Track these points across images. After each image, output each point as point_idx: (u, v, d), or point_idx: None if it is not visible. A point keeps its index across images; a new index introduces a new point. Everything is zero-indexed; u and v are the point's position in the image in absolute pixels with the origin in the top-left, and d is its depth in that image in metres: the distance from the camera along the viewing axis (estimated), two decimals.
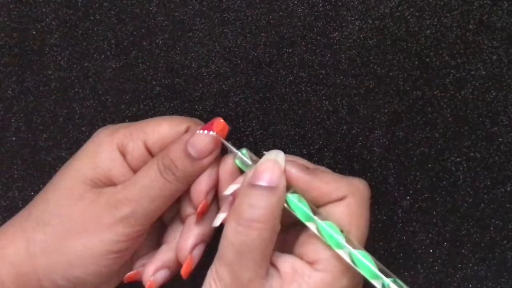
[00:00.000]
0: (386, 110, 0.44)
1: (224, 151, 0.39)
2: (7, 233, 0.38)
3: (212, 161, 0.38)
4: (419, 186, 0.44)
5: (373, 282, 0.33)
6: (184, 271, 0.38)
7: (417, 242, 0.45)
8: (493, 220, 0.44)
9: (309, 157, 0.44)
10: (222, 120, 0.38)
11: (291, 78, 0.44)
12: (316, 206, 0.35)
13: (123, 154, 0.39)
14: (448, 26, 0.43)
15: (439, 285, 0.45)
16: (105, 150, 0.38)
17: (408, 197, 0.44)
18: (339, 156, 0.44)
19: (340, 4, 0.43)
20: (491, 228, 0.44)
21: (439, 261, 0.45)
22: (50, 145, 0.46)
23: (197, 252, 0.38)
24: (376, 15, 0.43)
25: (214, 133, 0.37)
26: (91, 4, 0.44)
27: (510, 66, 0.43)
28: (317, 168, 0.37)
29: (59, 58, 0.45)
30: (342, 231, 0.34)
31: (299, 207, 0.35)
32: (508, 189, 0.44)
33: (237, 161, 0.38)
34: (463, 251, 0.45)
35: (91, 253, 0.36)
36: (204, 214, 0.38)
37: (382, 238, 0.44)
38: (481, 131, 0.44)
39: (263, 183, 0.34)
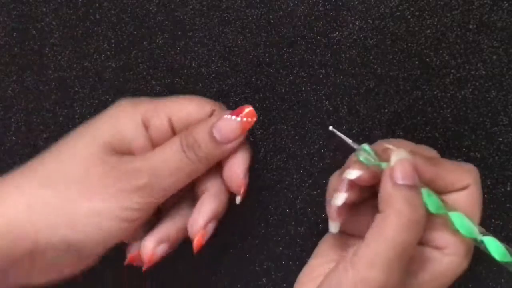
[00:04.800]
0: (386, 110, 0.44)
1: None
2: (3, 186, 0.37)
3: (236, 146, 0.38)
4: None
5: (504, 263, 0.35)
6: (196, 245, 0.38)
7: None
8: (493, 220, 0.44)
9: (309, 157, 0.44)
10: (252, 108, 0.38)
11: (291, 78, 0.44)
12: (440, 194, 0.36)
13: (145, 126, 0.39)
14: (449, 26, 0.43)
15: None
16: (129, 118, 0.38)
17: None
18: (339, 156, 0.44)
19: (340, 4, 0.43)
20: (491, 228, 0.44)
21: None
22: (50, 145, 0.46)
23: (210, 228, 0.39)
24: (376, 15, 0.43)
25: (240, 118, 0.38)
26: (91, 4, 0.44)
27: (510, 66, 0.43)
28: (436, 157, 0.37)
29: (59, 58, 0.45)
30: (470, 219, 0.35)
31: (431, 201, 0.35)
32: (509, 189, 0.44)
33: (362, 158, 0.36)
34: None
35: (101, 217, 0.36)
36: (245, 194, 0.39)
37: None
38: (481, 131, 0.44)
39: (408, 182, 0.34)
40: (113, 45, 0.45)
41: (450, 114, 0.44)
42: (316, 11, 0.44)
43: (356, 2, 0.43)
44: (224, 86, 0.45)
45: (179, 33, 0.44)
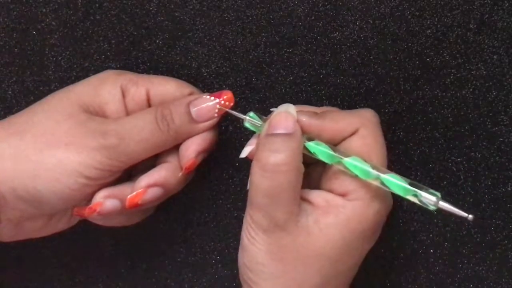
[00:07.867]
0: (386, 110, 0.44)
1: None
2: None
3: (208, 128, 0.40)
4: None
5: (408, 197, 0.35)
6: (186, 170, 0.39)
7: (417, 242, 0.45)
8: (493, 220, 0.44)
9: None
10: (231, 94, 0.40)
11: (291, 78, 0.44)
12: (333, 145, 0.37)
13: (123, 94, 0.40)
14: (449, 26, 0.43)
15: (440, 285, 0.45)
16: (109, 84, 0.40)
17: None
18: None
19: (340, 4, 0.43)
20: (492, 228, 0.44)
21: (440, 261, 0.45)
22: None
23: (200, 158, 0.40)
24: (376, 15, 0.43)
25: (220, 100, 0.39)
26: (91, 4, 0.44)
27: (511, 66, 0.43)
28: (325, 111, 0.38)
29: (59, 58, 0.45)
30: (366, 161, 0.35)
31: (321, 151, 0.36)
32: (509, 189, 0.44)
33: (248, 124, 0.39)
34: (463, 251, 0.45)
35: (62, 169, 0.37)
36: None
37: (382, 238, 0.44)
38: (481, 131, 0.44)
39: (280, 131, 0.36)
40: (113, 46, 0.45)
41: (451, 114, 0.44)
42: (316, 11, 0.43)
43: (356, 2, 0.43)
44: (224, 86, 0.45)
45: (179, 33, 0.44)
